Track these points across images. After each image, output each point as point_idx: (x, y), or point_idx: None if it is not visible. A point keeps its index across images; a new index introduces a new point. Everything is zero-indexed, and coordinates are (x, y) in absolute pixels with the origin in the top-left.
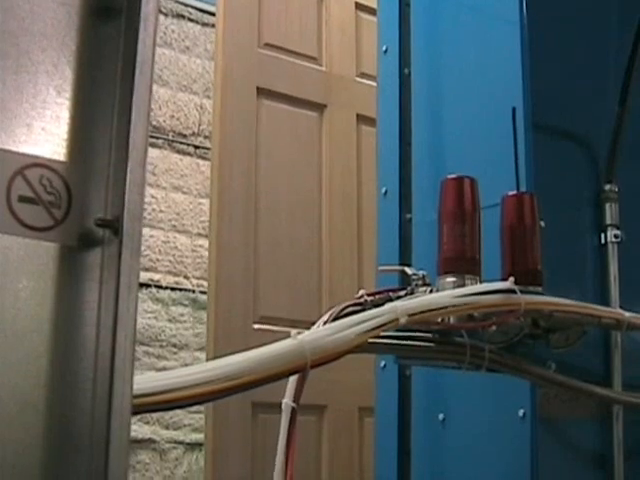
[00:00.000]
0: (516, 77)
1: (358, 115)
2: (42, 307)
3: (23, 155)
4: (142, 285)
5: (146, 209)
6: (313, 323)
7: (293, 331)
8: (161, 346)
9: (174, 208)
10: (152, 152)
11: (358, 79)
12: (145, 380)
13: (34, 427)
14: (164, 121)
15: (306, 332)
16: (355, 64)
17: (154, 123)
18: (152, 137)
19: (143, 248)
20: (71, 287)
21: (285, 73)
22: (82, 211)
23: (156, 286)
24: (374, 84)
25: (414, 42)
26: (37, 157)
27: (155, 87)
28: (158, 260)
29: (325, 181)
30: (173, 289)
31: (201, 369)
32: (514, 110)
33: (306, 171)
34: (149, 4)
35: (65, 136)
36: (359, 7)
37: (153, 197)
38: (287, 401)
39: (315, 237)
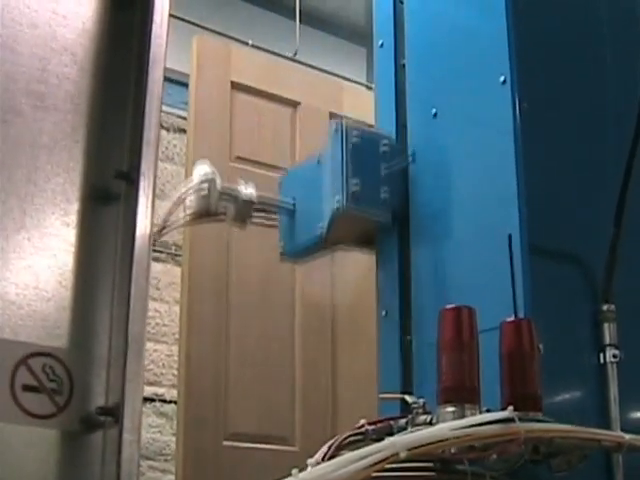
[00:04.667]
0: (512, 203)
1: None
2: None
3: (26, 344)
4: (146, 399)
5: (150, 323)
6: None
7: (294, 470)
8: (166, 460)
9: (177, 322)
10: (155, 266)
11: None
12: None
13: None
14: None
15: (308, 470)
16: None
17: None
18: (155, 251)
19: (147, 362)
20: (73, 471)
21: (257, 187)
22: (83, 396)
23: (160, 400)
24: None
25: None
26: (39, 345)
27: (157, 202)
28: (162, 374)
29: (299, 295)
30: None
31: None
32: (510, 237)
33: (279, 287)
34: (147, 193)
35: (67, 323)
36: (334, 117)
37: (157, 311)
38: None
39: (287, 350)
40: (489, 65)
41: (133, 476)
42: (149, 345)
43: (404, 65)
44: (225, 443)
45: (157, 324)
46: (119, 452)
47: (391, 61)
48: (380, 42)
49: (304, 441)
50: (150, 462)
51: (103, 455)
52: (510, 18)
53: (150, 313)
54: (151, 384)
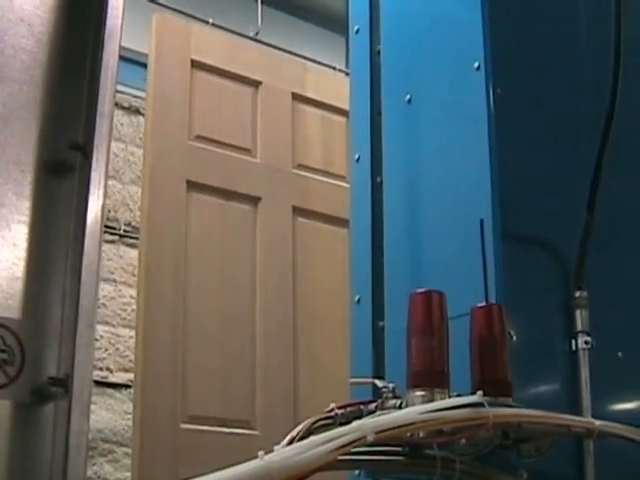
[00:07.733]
0: (484, 188)
1: (294, 207)
2: None
3: None
4: (122, 386)
5: (126, 309)
6: (245, 422)
7: (260, 452)
8: None
9: None
10: (132, 252)
11: (294, 170)
12: None
13: None
14: None
15: (273, 452)
16: (291, 155)
17: (133, 224)
18: (133, 238)
19: (123, 349)
20: (23, 443)
21: (217, 166)
22: (35, 368)
23: None
24: (311, 175)
25: (386, 151)
26: None
27: (135, 188)
28: None
29: (260, 276)
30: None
31: None
32: (482, 222)
33: (239, 266)
34: (100, 165)
35: (19, 293)
36: (295, 97)
37: (132, 297)
38: None
39: (248, 333)
40: (463, 51)
41: (82, 448)
42: (126, 332)
43: (379, 51)
44: (183, 426)
45: (133, 310)
46: (68, 422)
47: (366, 47)
48: (356, 28)
49: (265, 425)
50: (126, 449)
51: (54, 427)
52: (485, 4)
53: (126, 299)
54: (127, 371)
